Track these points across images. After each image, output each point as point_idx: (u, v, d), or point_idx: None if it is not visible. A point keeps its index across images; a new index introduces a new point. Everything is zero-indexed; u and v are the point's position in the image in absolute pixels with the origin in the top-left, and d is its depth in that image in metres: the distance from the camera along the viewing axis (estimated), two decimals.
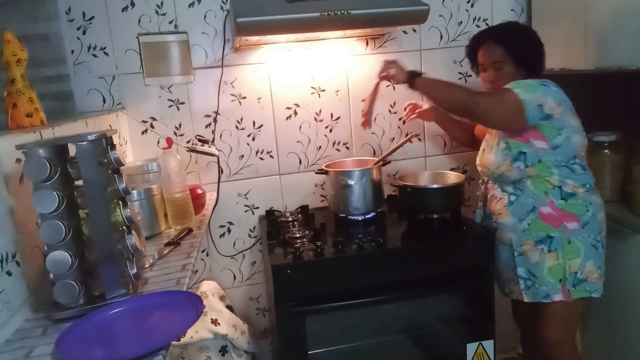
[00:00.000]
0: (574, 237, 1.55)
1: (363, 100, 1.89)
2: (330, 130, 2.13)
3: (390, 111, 2.16)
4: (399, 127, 2.19)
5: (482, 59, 1.70)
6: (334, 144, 2.14)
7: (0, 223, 0.97)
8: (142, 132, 1.98)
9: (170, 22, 1.94)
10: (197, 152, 1.87)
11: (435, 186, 1.85)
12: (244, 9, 1.60)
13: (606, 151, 1.83)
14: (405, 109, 2.05)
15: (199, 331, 1.73)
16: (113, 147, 1.04)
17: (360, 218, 1.91)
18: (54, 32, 1.79)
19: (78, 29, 1.87)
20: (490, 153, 1.66)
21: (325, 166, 1.96)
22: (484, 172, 1.73)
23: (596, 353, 1.91)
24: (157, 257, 1.31)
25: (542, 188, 1.58)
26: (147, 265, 1.25)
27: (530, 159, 1.56)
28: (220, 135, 2.04)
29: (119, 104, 1.95)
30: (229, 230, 2.12)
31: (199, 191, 1.76)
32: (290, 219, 1.96)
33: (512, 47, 1.62)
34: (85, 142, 1.00)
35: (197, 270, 2.10)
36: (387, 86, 2.14)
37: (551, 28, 2.02)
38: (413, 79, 1.64)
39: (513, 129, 1.57)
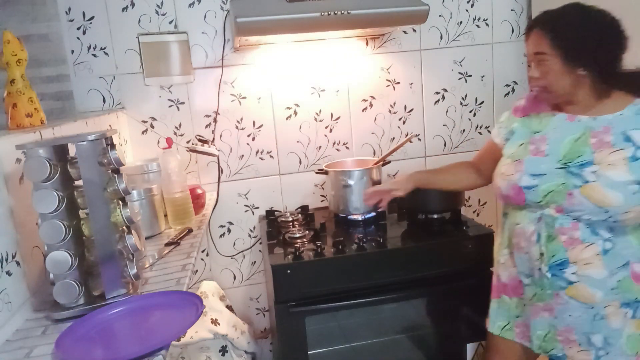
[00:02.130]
0: None
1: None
2: (330, 130, 2.13)
3: (390, 111, 2.16)
4: (398, 127, 2.19)
5: (527, 48, 1.31)
6: (334, 144, 2.14)
7: (0, 223, 0.97)
8: (142, 132, 1.98)
9: (170, 22, 1.94)
10: (197, 152, 1.87)
11: None
12: (244, 9, 1.60)
13: None
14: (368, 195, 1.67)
15: (199, 331, 1.73)
16: (113, 147, 1.04)
17: (360, 218, 1.91)
18: (54, 32, 1.79)
19: (78, 29, 1.87)
20: (616, 190, 1.18)
21: (325, 166, 1.96)
22: (570, 205, 1.24)
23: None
24: (157, 257, 1.31)
25: None
26: (147, 265, 1.25)
27: None
28: (220, 135, 2.04)
29: (119, 104, 1.95)
30: (229, 230, 2.12)
31: (199, 191, 1.76)
32: (290, 219, 1.96)
33: (562, 39, 1.22)
34: (85, 142, 1.00)
35: (197, 270, 2.10)
36: (387, 86, 2.14)
37: None
38: None
39: None
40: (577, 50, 1.21)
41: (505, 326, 1.45)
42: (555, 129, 1.31)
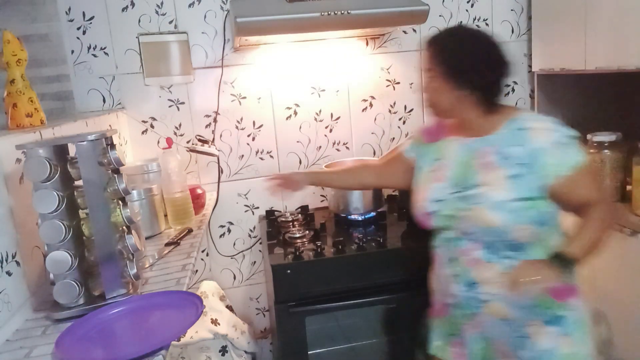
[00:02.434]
0: (584, 311, 1.25)
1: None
2: (330, 130, 2.13)
3: (390, 111, 2.16)
4: (399, 127, 2.19)
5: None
6: (334, 144, 2.14)
7: (0, 223, 0.97)
8: (142, 132, 1.98)
9: (170, 22, 1.94)
10: (197, 152, 1.87)
11: None
12: (244, 9, 1.60)
13: (606, 151, 1.83)
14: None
15: (199, 331, 1.73)
16: (113, 147, 1.04)
17: (360, 218, 1.91)
18: (54, 32, 1.79)
19: (78, 29, 1.87)
20: (497, 210, 1.18)
21: (325, 166, 1.96)
22: (466, 228, 1.25)
23: (596, 352, 1.90)
24: (157, 257, 1.31)
25: (547, 250, 1.20)
26: (147, 265, 1.25)
27: (552, 218, 1.22)
28: (220, 135, 2.04)
29: (119, 104, 1.95)
30: (229, 230, 2.12)
31: (199, 191, 1.76)
32: (290, 219, 1.96)
33: (441, 54, 1.26)
34: (85, 142, 1.00)
35: (197, 270, 2.10)
36: (387, 86, 2.14)
37: (551, 28, 2.02)
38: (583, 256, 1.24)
39: None
40: (458, 72, 1.24)
41: (440, 345, 1.41)
42: (452, 153, 1.34)
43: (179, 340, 1.66)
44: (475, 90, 1.24)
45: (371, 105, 2.14)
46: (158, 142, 1.98)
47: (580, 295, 1.25)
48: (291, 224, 1.94)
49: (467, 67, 1.23)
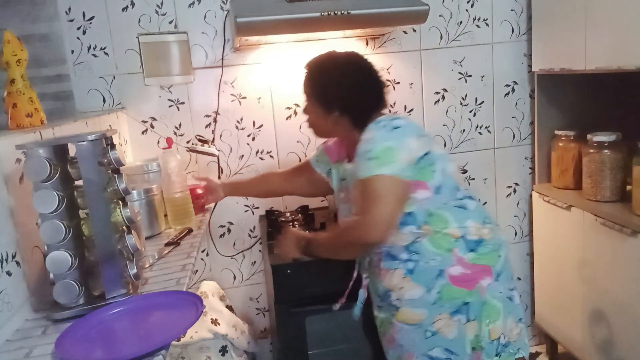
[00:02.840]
0: (490, 294, 1.25)
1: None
2: None
3: (390, 111, 2.16)
4: None
5: None
6: None
7: (0, 223, 0.97)
8: (142, 132, 1.98)
9: (170, 22, 1.94)
10: (197, 152, 1.87)
11: None
12: (244, 9, 1.60)
13: (606, 151, 1.84)
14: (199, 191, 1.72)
15: (199, 331, 1.73)
16: (113, 147, 1.04)
17: None
18: (54, 32, 1.79)
19: (78, 29, 1.87)
20: None
21: None
22: None
23: (597, 352, 1.91)
24: (157, 257, 1.30)
25: (445, 244, 1.24)
26: (147, 265, 1.25)
27: (420, 217, 1.24)
28: (220, 135, 2.04)
29: (119, 104, 1.95)
30: (229, 230, 2.12)
31: (199, 191, 1.76)
32: (290, 219, 1.96)
33: (311, 80, 1.38)
34: (85, 142, 1.00)
35: (197, 270, 2.10)
36: (387, 86, 2.14)
37: (551, 28, 2.02)
38: (307, 250, 1.39)
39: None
40: (324, 96, 1.34)
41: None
42: (349, 175, 1.41)
43: (179, 340, 1.66)
44: (345, 111, 1.33)
45: None
46: (158, 142, 1.98)
47: (488, 278, 1.26)
48: (291, 224, 1.94)
49: (332, 91, 1.32)
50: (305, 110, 1.42)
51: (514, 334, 1.30)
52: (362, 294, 1.45)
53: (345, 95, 1.32)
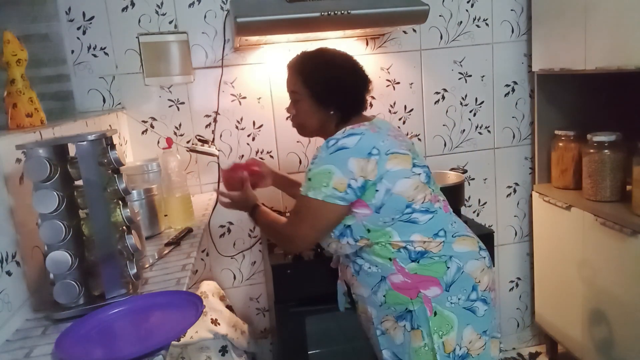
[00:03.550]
0: (439, 304, 1.23)
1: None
2: None
3: (390, 111, 2.16)
4: (398, 127, 2.19)
5: (286, 85, 1.43)
6: None
7: (0, 223, 0.97)
8: (142, 132, 1.98)
9: (170, 22, 1.94)
10: (197, 152, 1.87)
11: None
12: (244, 9, 1.60)
13: (606, 151, 1.84)
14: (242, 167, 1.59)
15: (199, 331, 1.72)
16: (113, 147, 1.04)
17: None
18: (54, 32, 1.79)
19: (78, 29, 1.87)
20: None
21: None
22: None
23: (597, 352, 1.91)
24: (157, 257, 1.30)
25: (385, 253, 1.25)
26: (147, 265, 1.25)
27: (357, 232, 1.26)
28: (220, 135, 2.04)
29: (119, 104, 1.95)
30: (229, 230, 2.12)
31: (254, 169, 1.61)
32: None
33: (309, 81, 1.34)
34: (85, 142, 1.00)
35: (197, 270, 2.10)
36: (387, 86, 2.14)
37: (551, 28, 2.02)
38: (253, 212, 1.46)
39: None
40: (325, 92, 1.33)
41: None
42: None
43: (179, 340, 1.66)
44: (338, 109, 1.34)
45: (371, 105, 2.14)
46: (158, 142, 1.98)
47: (434, 288, 1.24)
48: None
49: (332, 87, 1.33)
50: (296, 108, 1.39)
51: (476, 347, 1.26)
52: (340, 286, 1.48)
53: (343, 91, 1.34)
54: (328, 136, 1.29)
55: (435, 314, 1.23)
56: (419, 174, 1.27)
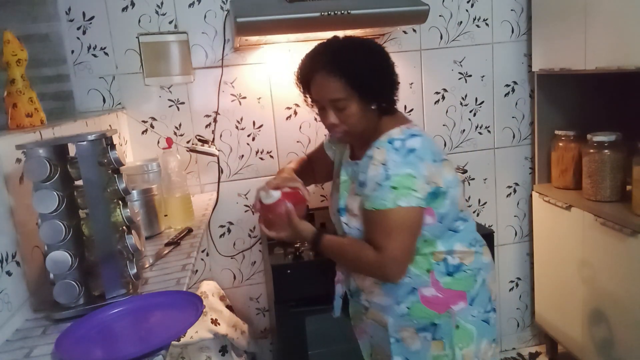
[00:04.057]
0: (462, 318, 1.21)
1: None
2: None
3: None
4: None
5: (317, 94, 1.23)
6: None
7: (0, 223, 0.97)
8: (142, 132, 1.98)
9: (170, 22, 1.94)
10: (197, 152, 1.87)
11: None
12: (244, 9, 1.60)
13: (606, 151, 1.84)
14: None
15: (199, 331, 1.73)
16: (113, 147, 1.04)
17: None
18: (54, 32, 1.79)
19: (78, 29, 1.87)
20: (352, 217, 1.23)
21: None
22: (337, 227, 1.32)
23: (597, 352, 1.91)
24: (157, 257, 1.30)
25: (424, 265, 1.20)
26: (147, 265, 1.25)
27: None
28: (220, 135, 2.04)
29: (119, 104, 1.95)
30: (229, 230, 2.12)
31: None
32: None
33: (355, 79, 1.16)
34: (85, 142, 1.00)
35: (197, 270, 2.10)
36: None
37: (551, 28, 2.02)
38: (315, 244, 1.27)
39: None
40: (368, 87, 1.17)
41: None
42: (342, 164, 1.33)
43: (179, 340, 1.66)
44: (383, 101, 1.21)
45: None
46: (158, 142, 1.98)
47: (461, 303, 1.21)
48: None
49: (376, 79, 1.18)
50: (341, 115, 1.19)
51: (488, 356, 1.27)
52: (339, 288, 1.41)
53: (389, 80, 1.21)
54: (370, 136, 1.20)
55: (457, 327, 1.20)
56: (460, 184, 1.23)
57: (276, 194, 1.28)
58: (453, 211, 1.20)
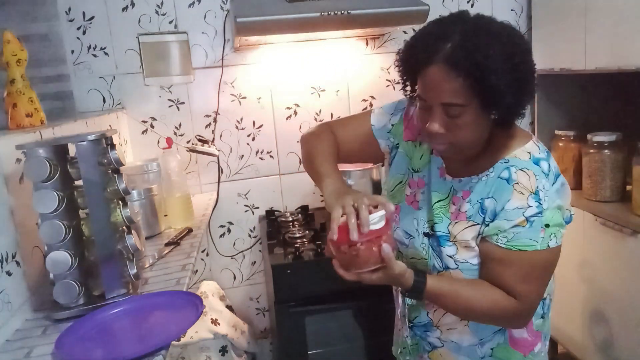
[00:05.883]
0: (534, 358, 1.09)
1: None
2: None
3: None
4: None
5: (427, 91, 0.91)
6: None
7: (0, 223, 0.97)
8: (142, 132, 1.98)
9: (170, 22, 1.94)
10: (197, 152, 1.87)
11: None
12: (244, 9, 1.60)
13: (606, 151, 1.83)
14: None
15: (199, 331, 1.73)
16: (113, 147, 1.04)
17: None
18: (54, 32, 1.79)
19: (78, 29, 1.87)
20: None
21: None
22: (418, 263, 1.06)
23: (597, 352, 1.91)
24: (157, 257, 1.30)
25: None
26: (147, 265, 1.25)
27: None
28: (220, 135, 2.04)
29: (119, 104, 1.95)
30: (229, 230, 2.12)
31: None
32: (290, 219, 1.97)
33: (483, 83, 0.84)
34: (85, 142, 1.00)
35: (197, 270, 2.10)
36: (387, 86, 2.14)
37: (551, 28, 2.02)
38: (416, 292, 0.97)
39: None
40: (500, 95, 0.85)
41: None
42: (432, 177, 1.05)
43: (179, 340, 1.66)
44: (511, 109, 0.89)
45: (371, 105, 2.14)
46: (158, 142, 1.98)
47: (539, 344, 1.08)
48: (291, 224, 1.94)
49: (511, 81, 0.85)
50: (451, 124, 0.90)
51: None
52: (404, 324, 1.15)
53: (530, 81, 0.89)
54: (477, 150, 0.96)
55: None
56: None
57: (381, 214, 0.87)
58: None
